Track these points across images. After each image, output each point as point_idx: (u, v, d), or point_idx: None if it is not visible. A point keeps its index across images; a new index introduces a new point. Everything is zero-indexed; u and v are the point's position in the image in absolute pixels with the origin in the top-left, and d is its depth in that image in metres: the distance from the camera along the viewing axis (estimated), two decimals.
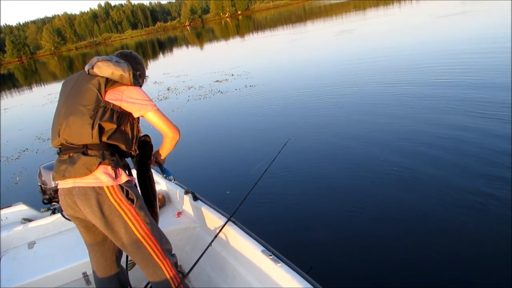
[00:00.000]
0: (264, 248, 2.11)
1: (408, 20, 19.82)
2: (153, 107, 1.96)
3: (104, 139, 1.87)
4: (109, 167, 1.87)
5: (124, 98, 1.90)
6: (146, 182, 2.24)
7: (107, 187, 1.85)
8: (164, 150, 2.19)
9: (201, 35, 53.91)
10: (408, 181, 4.10)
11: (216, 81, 12.32)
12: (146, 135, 2.17)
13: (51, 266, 2.63)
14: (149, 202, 2.23)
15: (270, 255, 2.03)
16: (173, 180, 2.51)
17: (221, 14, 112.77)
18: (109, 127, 1.87)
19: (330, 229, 3.61)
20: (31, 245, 3.00)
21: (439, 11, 19.41)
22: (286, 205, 4.15)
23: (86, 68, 1.97)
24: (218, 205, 2.69)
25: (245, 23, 61.48)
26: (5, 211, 3.23)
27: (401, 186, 4.05)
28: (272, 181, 4.52)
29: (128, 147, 1.98)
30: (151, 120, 1.98)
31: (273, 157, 2.96)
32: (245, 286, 2.26)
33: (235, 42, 30.05)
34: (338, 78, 9.53)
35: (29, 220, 3.17)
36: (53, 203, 3.10)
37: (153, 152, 2.26)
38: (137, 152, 2.11)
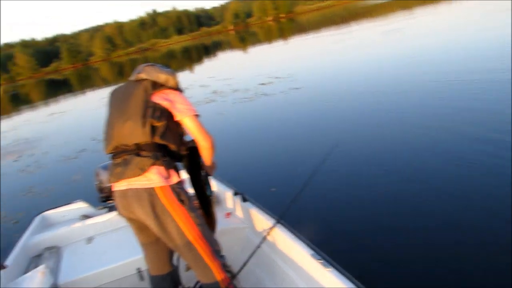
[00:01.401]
0: (313, 252, 2.10)
1: (464, 16, 18.88)
2: (192, 113, 2.03)
3: (156, 138, 1.94)
4: (162, 168, 1.92)
5: (169, 99, 2.00)
6: (199, 188, 2.26)
7: (159, 188, 1.90)
8: (204, 158, 2.20)
9: (245, 39, 54.35)
10: (466, 191, 3.86)
11: (261, 84, 12.37)
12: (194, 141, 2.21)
13: (107, 261, 2.75)
14: (205, 208, 2.25)
15: (320, 259, 2.01)
16: (212, 198, 2.51)
17: (264, 17, 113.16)
18: (159, 125, 1.95)
19: (378, 236, 3.51)
20: (89, 240, 3.14)
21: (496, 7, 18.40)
22: (334, 209, 4.10)
23: (134, 74, 2.10)
24: (266, 206, 2.70)
25: (288, 26, 61.32)
26: (65, 208, 3.42)
27: (457, 195, 3.82)
28: (320, 184, 4.45)
29: (177, 146, 2.04)
30: (187, 126, 2.04)
31: (321, 160, 2.94)
32: None
33: (278, 45, 30.04)
34: (387, 80, 9.28)
35: (87, 216, 3.33)
36: (109, 201, 3.24)
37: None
38: (187, 153, 2.16)
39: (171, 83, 2.04)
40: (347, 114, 7.26)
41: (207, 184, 2.36)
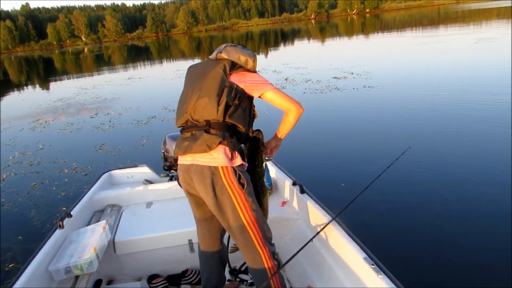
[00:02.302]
0: (366, 256, 2.03)
1: None
2: (272, 86, 2.04)
3: (227, 118, 1.96)
4: (227, 148, 1.95)
5: (247, 80, 2.01)
6: (255, 177, 2.25)
7: (222, 167, 1.93)
8: (285, 127, 2.13)
9: (325, 29, 53.46)
10: None
11: (334, 78, 12.14)
12: (259, 131, 2.20)
13: (162, 228, 2.86)
14: (258, 197, 2.23)
15: (372, 264, 1.95)
16: (270, 192, 2.48)
17: (348, 10, 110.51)
18: (233, 105, 1.97)
19: (438, 250, 3.35)
20: (148, 204, 3.29)
21: None
22: (395, 215, 3.96)
23: (215, 53, 2.12)
24: (322, 200, 2.66)
25: (371, 22, 59.43)
26: (131, 170, 3.59)
27: None
28: (384, 187, 4.34)
29: (246, 128, 2.06)
30: (271, 99, 2.03)
31: (389, 163, 2.82)
32: None
33: (358, 40, 29.24)
34: (472, 88, 8.77)
35: (150, 182, 3.47)
36: (172, 171, 3.35)
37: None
38: (249, 143, 2.17)
39: (250, 65, 2.05)
40: (422, 120, 6.92)
41: (266, 177, 2.35)
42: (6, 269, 3.64)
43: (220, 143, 1.93)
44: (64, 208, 2.97)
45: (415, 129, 6.45)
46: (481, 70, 10.70)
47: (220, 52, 2.09)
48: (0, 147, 8.11)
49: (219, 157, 1.93)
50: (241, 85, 2.00)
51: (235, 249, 2.46)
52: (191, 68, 2.22)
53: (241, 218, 1.99)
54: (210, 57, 2.16)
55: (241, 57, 2.04)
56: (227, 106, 1.96)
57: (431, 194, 4.28)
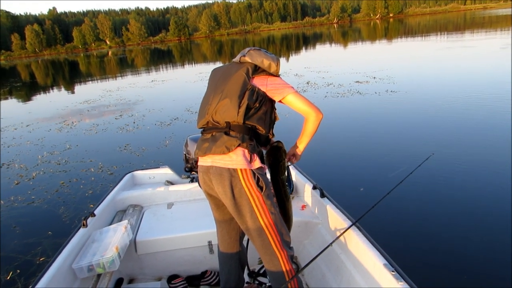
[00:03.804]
0: (386, 262, 2.01)
1: None
2: (293, 89, 2.05)
3: (247, 121, 1.98)
4: (246, 151, 1.96)
5: (268, 83, 2.03)
6: (279, 185, 2.25)
7: (241, 170, 1.95)
8: (305, 134, 2.13)
9: (347, 34, 53.10)
10: None
11: (356, 82, 12.06)
12: (279, 141, 2.21)
13: (183, 228, 2.89)
14: (282, 205, 2.23)
15: (393, 271, 1.92)
16: (291, 196, 2.47)
17: (372, 15, 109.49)
18: (253, 107, 1.99)
19: (461, 260, 3.28)
20: (169, 205, 3.33)
21: None
22: (417, 222, 3.90)
23: (238, 56, 2.15)
24: (343, 205, 2.64)
25: (395, 27, 58.74)
26: (153, 171, 3.65)
27: None
28: (406, 193, 4.28)
29: (266, 130, 2.07)
30: (292, 103, 2.04)
31: (412, 169, 2.78)
32: None
33: (381, 45, 28.95)
34: (499, 93, 8.57)
35: (171, 183, 3.52)
36: (193, 172, 3.39)
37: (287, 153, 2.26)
38: (270, 151, 2.19)
39: (273, 69, 2.07)
40: (446, 126, 6.80)
41: (289, 184, 2.36)
42: (37, 262, 3.79)
43: (239, 145, 1.95)
44: (91, 206, 3.05)
45: (439, 135, 6.33)
46: (508, 77, 10.43)
47: (244, 55, 2.12)
48: (0, 148, 8.37)
49: (237, 159, 1.95)
50: (263, 88, 2.02)
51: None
52: (214, 71, 2.25)
53: (259, 220, 2.00)
54: (234, 60, 2.18)
55: (264, 61, 2.06)
56: (248, 109, 1.98)
57: (454, 202, 4.20)
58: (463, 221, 3.84)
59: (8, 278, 3.58)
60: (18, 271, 3.69)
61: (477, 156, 5.30)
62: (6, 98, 18.62)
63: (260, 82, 2.03)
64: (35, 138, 9.13)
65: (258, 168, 2.01)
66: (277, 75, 2.10)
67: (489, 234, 3.56)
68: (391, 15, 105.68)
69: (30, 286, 2.02)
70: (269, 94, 2.03)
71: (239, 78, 2.01)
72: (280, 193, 2.23)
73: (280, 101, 2.07)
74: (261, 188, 1.99)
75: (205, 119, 2.08)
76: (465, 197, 4.27)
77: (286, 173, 2.28)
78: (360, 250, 2.24)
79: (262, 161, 2.08)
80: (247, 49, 2.15)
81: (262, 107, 2.02)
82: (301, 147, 2.22)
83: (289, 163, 2.31)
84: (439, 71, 12.89)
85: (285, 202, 2.27)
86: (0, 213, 5.09)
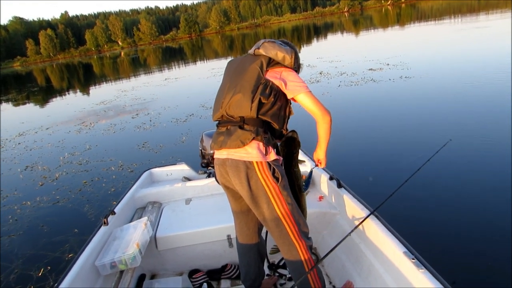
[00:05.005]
0: (406, 250, 2.00)
1: None
2: (306, 89, 2.02)
3: (260, 115, 1.97)
4: (261, 144, 1.96)
5: (282, 78, 2.00)
6: (292, 178, 2.25)
7: (256, 162, 1.95)
8: (321, 138, 2.14)
9: (359, 22, 52.42)
10: None
11: (369, 69, 11.93)
12: (294, 131, 2.20)
13: (201, 223, 2.92)
14: (296, 198, 2.23)
15: (413, 259, 1.91)
16: (306, 192, 2.48)
17: (383, 1, 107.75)
18: (267, 102, 1.97)
19: (481, 245, 3.25)
20: (187, 201, 3.36)
21: None
22: (436, 209, 3.85)
23: (253, 49, 2.13)
24: (361, 195, 2.63)
25: (407, 12, 57.71)
26: (170, 168, 3.69)
27: None
28: (424, 181, 4.23)
29: (280, 125, 2.06)
30: (302, 102, 2.02)
31: (429, 156, 2.75)
32: (380, 284, 2.18)
33: (394, 31, 28.53)
34: None
35: (188, 179, 3.55)
36: (209, 168, 3.42)
37: (299, 148, 2.26)
38: (284, 143, 2.18)
39: (287, 61, 2.04)
40: (464, 111, 6.67)
41: (306, 184, 2.36)
42: (66, 258, 3.93)
43: (253, 138, 1.95)
44: (114, 203, 3.11)
45: (457, 121, 6.23)
46: None
47: (258, 48, 2.10)
48: (0, 149, 8.53)
49: (253, 152, 1.95)
50: (277, 83, 2.00)
51: (276, 250, 2.48)
52: (230, 63, 2.23)
53: (276, 211, 2.01)
54: (249, 52, 2.17)
55: (278, 54, 2.03)
56: (261, 103, 1.97)
57: (473, 188, 4.14)
58: (483, 207, 3.78)
59: (40, 274, 3.73)
60: (49, 267, 3.83)
61: (496, 141, 5.18)
62: (25, 103, 19.00)
63: (274, 76, 2.00)
64: (56, 140, 9.32)
65: (273, 160, 2.01)
66: (291, 68, 2.07)
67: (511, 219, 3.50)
68: (403, 0, 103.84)
69: (56, 285, 2.07)
70: (282, 89, 2.01)
71: (252, 72, 2.00)
72: (294, 186, 2.23)
73: (291, 99, 2.06)
74: (277, 179, 1.99)
75: (220, 112, 2.08)
76: (484, 183, 4.20)
77: (303, 170, 2.27)
78: (380, 238, 2.23)
79: (277, 153, 2.08)
80: (261, 41, 2.12)
81: (277, 102, 2.00)
82: (320, 151, 2.23)
83: (313, 166, 2.30)
84: (454, 54, 12.66)
85: (298, 195, 2.27)
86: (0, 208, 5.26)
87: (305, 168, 3.27)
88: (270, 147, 2.00)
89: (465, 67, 10.32)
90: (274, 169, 1.99)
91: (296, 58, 2.09)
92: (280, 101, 2.03)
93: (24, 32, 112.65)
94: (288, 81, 2.00)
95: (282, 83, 2.00)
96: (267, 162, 1.97)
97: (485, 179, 4.27)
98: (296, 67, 2.12)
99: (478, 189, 4.11)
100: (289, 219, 2.04)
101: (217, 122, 2.15)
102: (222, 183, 2.20)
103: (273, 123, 2.03)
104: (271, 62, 2.02)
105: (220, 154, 2.07)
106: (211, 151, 3.19)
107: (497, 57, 10.84)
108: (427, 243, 3.26)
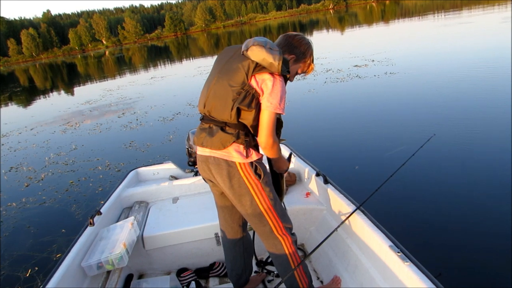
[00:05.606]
0: (392, 244, 2.02)
1: None
2: (272, 110, 1.89)
3: (241, 119, 1.94)
4: (241, 146, 1.96)
5: (262, 87, 1.91)
6: (278, 177, 2.29)
7: (239, 163, 1.96)
8: (273, 163, 2.23)
9: (344, 19, 52.72)
10: None
11: (355, 66, 12.03)
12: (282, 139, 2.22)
13: (189, 222, 2.91)
14: (275, 179, 2.25)
15: (398, 252, 1.94)
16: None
17: None
18: (246, 111, 1.90)
19: (464, 238, 3.30)
20: (175, 200, 3.35)
21: None
22: (420, 204, 3.90)
23: (242, 48, 1.99)
24: (346, 190, 2.65)
25: (391, 9, 58.24)
26: (157, 167, 3.66)
27: None
28: (408, 175, 4.29)
29: (256, 133, 1.98)
30: (260, 118, 1.93)
31: (413, 151, 2.79)
32: (366, 278, 2.21)
33: (378, 28, 28.73)
34: (501, 70, 8.45)
35: (175, 178, 3.53)
36: (196, 166, 3.40)
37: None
38: None
39: (274, 68, 1.90)
40: (447, 106, 6.76)
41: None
42: (54, 259, 3.89)
43: (234, 141, 1.94)
44: (102, 202, 3.08)
45: (440, 116, 6.31)
46: (509, 51, 10.34)
47: (247, 49, 1.95)
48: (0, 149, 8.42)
49: (233, 154, 1.96)
50: (258, 90, 1.91)
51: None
52: (223, 52, 2.12)
53: (258, 206, 2.02)
54: (242, 48, 2.01)
55: (265, 60, 1.89)
56: (241, 111, 1.91)
57: (457, 182, 4.20)
58: (466, 201, 3.84)
59: (27, 275, 3.70)
60: (37, 268, 3.80)
61: (479, 135, 5.28)
62: (7, 104, 18.67)
63: (257, 83, 1.91)
64: (40, 141, 9.19)
65: (256, 160, 2.01)
66: (279, 74, 1.94)
67: (493, 214, 3.56)
68: None
69: (41, 286, 2.05)
70: (260, 99, 1.92)
71: (238, 76, 1.91)
72: (277, 185, 2.25)
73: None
74: (259, 176, 2.00)
75: (203, 110, 2.05)
76: (467, 178, 4.27)
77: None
78: (366, 233, 2.25)
79: (258, 151, 2.06)
80: (251, 41, 1.96)
81: (257, 112, 1.92)
82: (276, 168, 2.27)
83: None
84: (438, 50, 12.82)
85: (279, 178, 2.30)
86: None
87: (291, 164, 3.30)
88: (250, 149, 1.98)
89: (449, 62, 10.46)
90: (256, 166, 1.99)
91: (285, 64, 1.94)
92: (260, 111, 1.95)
93: (5, 31, 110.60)
94: (266, 93, 1.90)
95: (261, 93, 1.91)
96: (249, 162, 1.98)
97: (469, 173, 4.34)
98: (286, 72, 1.97)
99: (461, 183, 4.18)
100: (272, 215, 2.05)
101: (201, 116, 2.12)
102: (206, 177, 2.19)
103: (251, 131, 1.98)
104: (257, 67, 1.91)
105: (202, 151, 2.07)
106: (193, 144, 3.16)
107: (481, 52, 11.03)
108: (412, 237, 3.32)
